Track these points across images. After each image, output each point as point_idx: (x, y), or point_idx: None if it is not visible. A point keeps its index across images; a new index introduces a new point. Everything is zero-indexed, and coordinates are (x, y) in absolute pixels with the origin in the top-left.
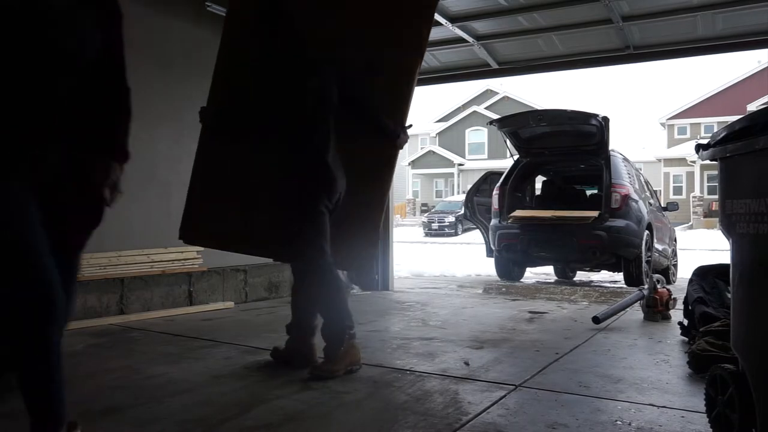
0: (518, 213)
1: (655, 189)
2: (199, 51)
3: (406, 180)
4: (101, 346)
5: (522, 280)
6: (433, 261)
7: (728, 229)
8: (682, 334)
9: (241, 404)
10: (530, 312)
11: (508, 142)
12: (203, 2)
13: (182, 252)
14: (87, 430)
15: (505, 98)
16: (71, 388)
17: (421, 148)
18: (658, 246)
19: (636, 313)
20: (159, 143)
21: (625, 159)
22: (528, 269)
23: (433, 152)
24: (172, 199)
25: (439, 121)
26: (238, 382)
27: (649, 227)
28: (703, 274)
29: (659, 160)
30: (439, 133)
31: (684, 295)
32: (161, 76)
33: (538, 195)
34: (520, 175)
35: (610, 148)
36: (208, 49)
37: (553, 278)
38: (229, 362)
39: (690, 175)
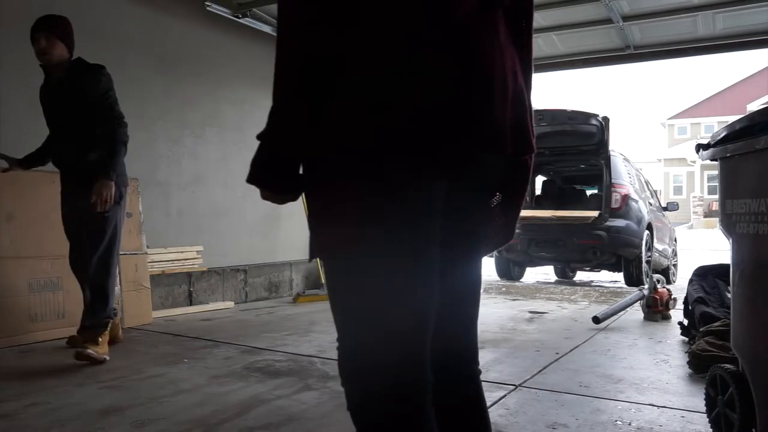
0: None
1: (655, 189)
2: (199, 51)
3: None
4: None
5: (522, 280)
6: None
7: (728, 229)
8: (682, 334)
9: (241, 404)
10: (530, 312)
11: None
12: (203, 2)
13: (182, 252)
14: (87, 430)
15: None
16: (71, 387)
17: None
18: (658, 246)
19: (636, 313)
20: (158, 143)
21: (626, 159)
22: (528, 269)
23: None
24: (171, 199)
25: None
26: (238, 382)
27: (649, 227)
28: (704, 274)
29: (659, 160)
30: None
31: (684, 295)
32: (161, 76)
33: (538, 195)
34: None
35: (610, 147)
36: (208, 49)
37: (553, 278)
38: (229, 362)
39: (690, 175)
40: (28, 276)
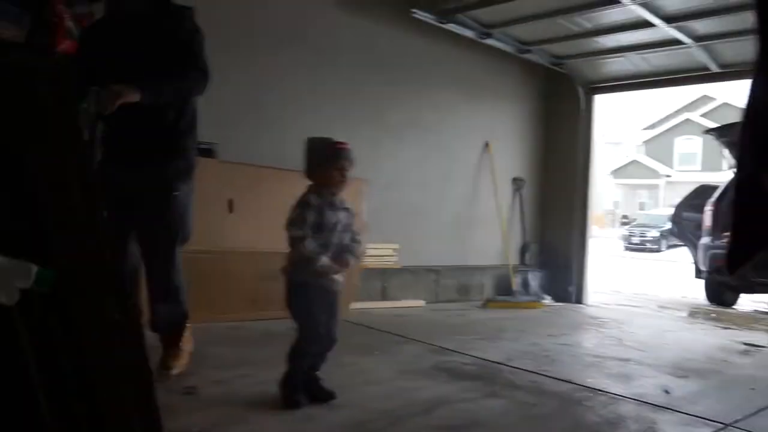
0: None
1: None
2: (406, 55)
3: (606, 189)
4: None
5: (735, 306)
6: (632, 277)
7: None
8: None
9: (427, 402)
10: (745, 344)
11: (726, 153)
12: (409, 9)
13: (378, 249)
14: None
15: (724, 105)
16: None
17: (626, 157)
18: None
19: None
20: (358, 144)
21: None
22: (743, 296)
23: (637, 162)
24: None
25: (646, 129)
26: (424, 380)
27: None
28: None
29: None
30: (645, 142)
31: None
32: (371, 78)
33: None
34: None
35: None
36: (414, 54)
37: None
38: (417, 359)
39: None
40: None
